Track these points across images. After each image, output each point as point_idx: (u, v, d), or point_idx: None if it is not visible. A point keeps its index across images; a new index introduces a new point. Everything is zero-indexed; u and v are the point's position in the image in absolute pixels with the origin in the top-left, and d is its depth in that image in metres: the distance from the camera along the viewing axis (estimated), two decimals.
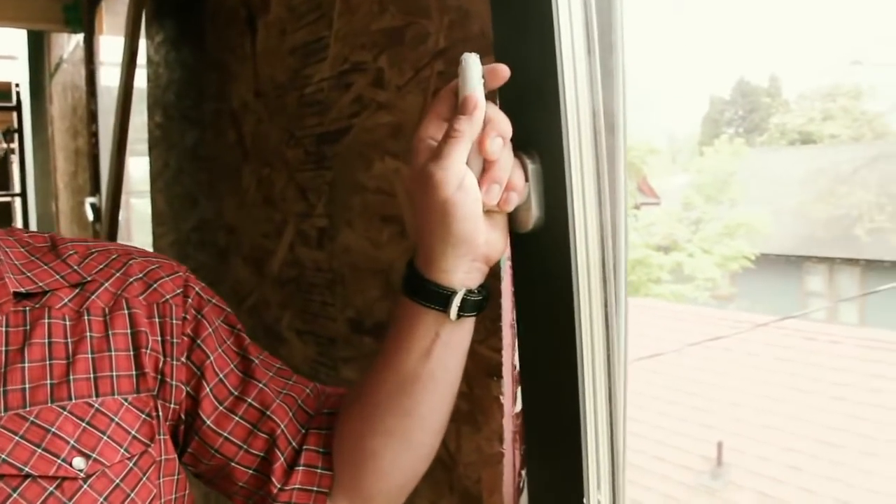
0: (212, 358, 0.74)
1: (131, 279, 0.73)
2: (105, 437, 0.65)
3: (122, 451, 0.66)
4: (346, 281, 1.13)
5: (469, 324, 0.69)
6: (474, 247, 0.64)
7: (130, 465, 0.67)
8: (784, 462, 5.79)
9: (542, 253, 0.70)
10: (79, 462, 0.63)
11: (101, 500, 0.64)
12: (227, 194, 1.60)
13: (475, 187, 0.63)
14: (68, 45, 3.88)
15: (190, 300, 0.75)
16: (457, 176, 0.62)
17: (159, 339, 0.72)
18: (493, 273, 0.81)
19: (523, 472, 0.82)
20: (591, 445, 0.71)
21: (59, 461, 0.62)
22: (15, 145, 5.25)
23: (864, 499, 5.25)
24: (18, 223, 5.36)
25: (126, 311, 0.71)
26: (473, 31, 0.81)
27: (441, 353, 0.68)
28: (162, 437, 0.71)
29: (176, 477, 0.72)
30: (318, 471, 0.75)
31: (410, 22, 0.92)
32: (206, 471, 0.76)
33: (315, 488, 0.74)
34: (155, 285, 0.74)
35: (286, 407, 0.76)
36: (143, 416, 0.69)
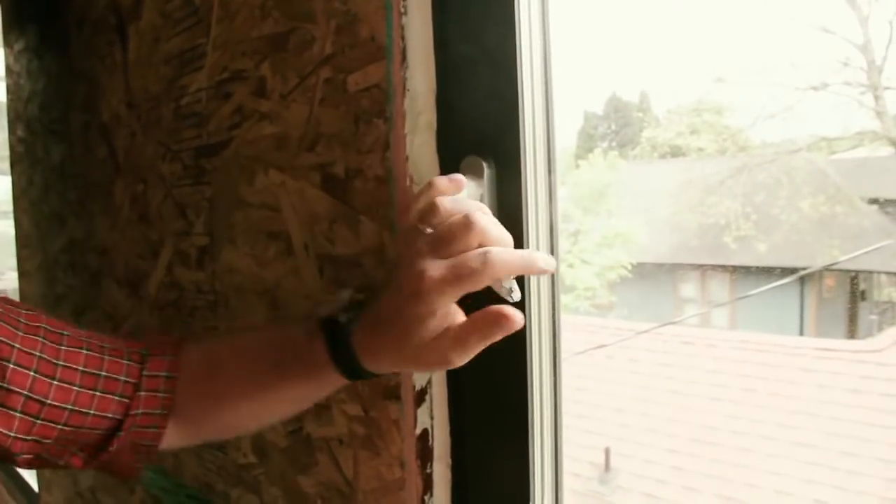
0: (17, 344, 0.68)
1: None
2: None
3: None
4: (230, 303, 1.07)
5: None
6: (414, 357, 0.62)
7: None
8: (667, 463, 5.98)
9: None
10: None
11: None
12: (98, 213, 1.50)
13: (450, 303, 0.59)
14: None
15: None
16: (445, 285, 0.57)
17: None
18: None
19: (426, 498, 0.79)
20: (538, 449, 0.70)
21: None
22: None
23: (742, 493, 5.48)
24: None
25: None
26: (362, 35, 0.77)
27: (321, 394, 0.74)
28: None
29: None
30: (160, 394, 0.75)
31: (294, 27, 0.87)
32: (48, 449, 0.72)
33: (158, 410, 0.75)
34: None
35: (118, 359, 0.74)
36: None
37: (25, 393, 0.68)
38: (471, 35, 0.70)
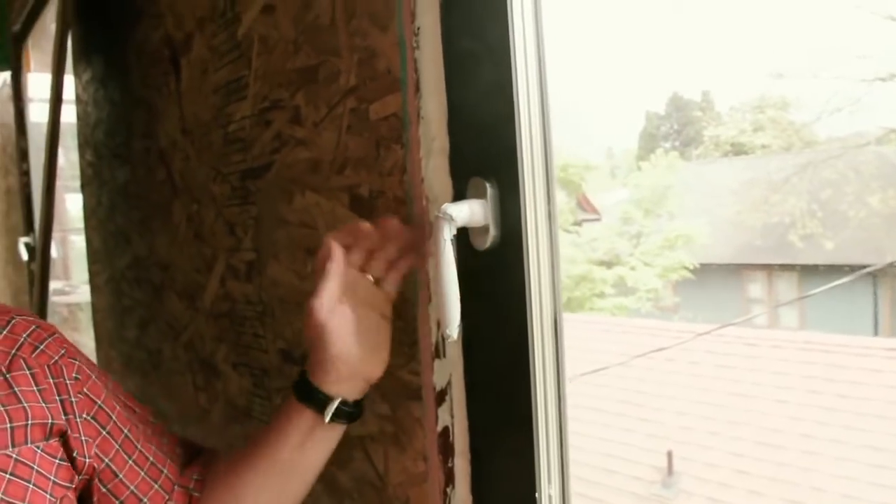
0: (114, 416, 0.80)
1: (21, 339, 0.75)
2: (31, 486, 0.68)
3: (48, 496, 0.69)
4: (275, 313, 1.16)
5: (340, 429, 0.82)
6: (350, 365, 0.78)
7: None
8: (731, 467, 5.92)
9: (498, 269, 0.77)
10: None
11: None
12: (159, 231, 1.61)
13: (346, 316, 0.77)
14: None
15: (77, 362, 0.79)
16: (328, 305, 0.76)
17: (58, 398, 0.75)
18: (407, 300, 0.85)
19: (448, 490, 0.86)
20: (543, 445, 0.76)
21: None
22: None
23: (808, 496, 5.39)
24: None
25: (28, 371, 0.73)
26: (380, 69, 0.85)
27: (312, 447, 0.81)
28: (76, 480, 0.74)
29: None
30: None
31: (323, 61, 0.96)
32: None
33: None
34: (42, 347, 0.76)
35: (173, 463, 0.86)
36: (57, 461, 0.72)
37: (107, 460, 0.78)
38: (475, 67, 0.77)
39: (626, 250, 13.10)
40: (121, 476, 0.79)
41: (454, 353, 0.85)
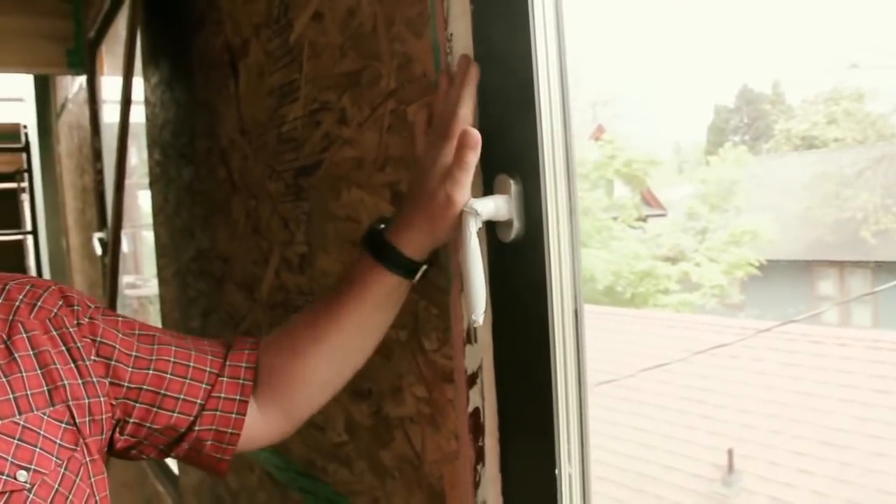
0: (117, 345, 0.83)
1: (17, 303, 0.79)
2: (37, 449, 0.72)
3: (54, 458, 0.73)
4: None
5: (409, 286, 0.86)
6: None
7: (62, 470, 0.74)
8: (794, 466, 5.82)
9: (522, 260, 0.83)
10: (22, 475, 0.70)
11: None
12: (220, 226, 1.70)
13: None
14: (72, 86, 4.02)
15: (76, 308, 0.82)
16: (467, 196, 0.78)
17: (64, 349, 0.79)
18: (441, 288, 0.91)
19: (479, 468, 0.91)
20: (563, 428, 0.81)
21: (4, 477, 0.69)
22: (25, 184, 5.39)
23: (874, 499, 5.27)
24: (31, 261, 5.50)
25: (25, 335, 0.77)
26: (416, 73, 0.91)
27: (395, 305, 0.87)
28: (84, 440, 0.78)
29: (104, 475, 0.80)
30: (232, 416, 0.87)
31: (366, 65, 1.02)
32: (147, 435, 0.85)
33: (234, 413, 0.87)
34: (39, 303, 0.80)
35: (201, 354, 0.88)
36: (63, 425, 0.76)
37: (126, 384, 0.83)
38: (501, 72, 0.82)
39: (690, 246, 12.94)
40: (145, 387, 0.83)
41: (485, 339, 0.90)
